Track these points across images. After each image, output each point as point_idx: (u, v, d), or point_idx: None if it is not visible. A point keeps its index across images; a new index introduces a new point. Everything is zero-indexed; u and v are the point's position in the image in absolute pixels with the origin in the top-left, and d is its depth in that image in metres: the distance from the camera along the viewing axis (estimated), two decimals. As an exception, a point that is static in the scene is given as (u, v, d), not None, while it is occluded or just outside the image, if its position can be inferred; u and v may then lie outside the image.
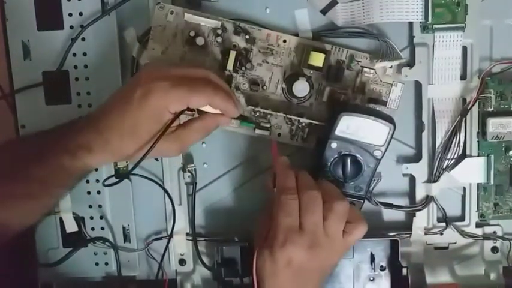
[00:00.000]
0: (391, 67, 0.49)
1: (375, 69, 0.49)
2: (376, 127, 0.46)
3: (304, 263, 0.42)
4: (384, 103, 0.49)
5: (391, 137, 0.46)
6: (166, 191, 0.51)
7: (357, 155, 0.46)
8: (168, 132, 0.43)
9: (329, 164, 0.47)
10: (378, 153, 0.46)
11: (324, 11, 0.49)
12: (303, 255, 0.42)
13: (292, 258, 0.42)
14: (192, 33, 0.48)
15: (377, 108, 0.48)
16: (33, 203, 0.46)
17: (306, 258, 0.42)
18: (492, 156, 0.50)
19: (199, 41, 0.48)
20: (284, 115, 0.49)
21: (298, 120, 0.49)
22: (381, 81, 0.49)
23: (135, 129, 0.43)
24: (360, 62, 0.49)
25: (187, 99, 0.42)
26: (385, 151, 0.46)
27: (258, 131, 0.50)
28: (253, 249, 0.44)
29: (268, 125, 0.50)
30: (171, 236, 0.52)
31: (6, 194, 0.44)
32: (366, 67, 0.49)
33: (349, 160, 0.47)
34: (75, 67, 0.50)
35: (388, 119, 0.46)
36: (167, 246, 0.52)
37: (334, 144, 0.46)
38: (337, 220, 0.43)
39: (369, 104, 0.49)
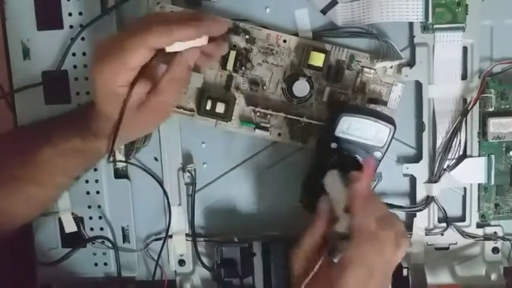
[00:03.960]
0: (391, 67, 0.49)
1: (375, 69, 0.48)
2: (376, 128, 0.46)
3: None
4: (384, 103, 0.49)
5: (392, 138, 0.46)
6: (164, 191, 0.51)
7: (357, 156, 0.46)
8: (136, 103, 0.40)
9: (329, 165, 0.47)
10: (378, 154, 0.46)
11: (324, 11, 0.49)
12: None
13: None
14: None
15: (377, 109, 0.48)
16: (39, 190, 0.45)
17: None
18: (493, 157, 0.50)
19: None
20: (284, 115, 0.49)
21: (298, 120, 0.49)
22: (381, 81, 0.49)
23: (114, 111, 0.40)
24: (360, 62, 0.49)
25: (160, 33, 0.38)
26: (385, 152, 0.46)
27: (258, 131, 0.50)
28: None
29: (268, 125, 0.50)
30: (166, 236, 0.52)
31: (14, 177, 0.44)
32: (366, 67, 0.49)
33: (348, 161, 0.46)
34: (75, 67, 0.50)
35: (389, 120, 0.46)
36: (162, 246, 0.52)
37: (334, 145, 0.46)
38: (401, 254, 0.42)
39: (369, 104, 0.49)
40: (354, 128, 0.46)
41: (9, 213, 0.45)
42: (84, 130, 0.44)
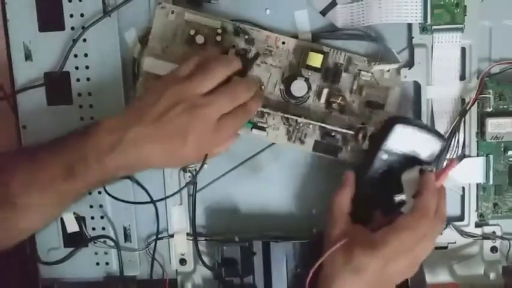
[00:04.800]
0: (388, 70, 0.49)
1: (372, 73, 0.49)
2: (428, 141, 0.45)
3: (394, 276, 0.43)
4: (382, 106, 0.49)
5: (441, 152, 0.46)
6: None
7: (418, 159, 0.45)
8: None
9: (376, 176, 0.46)
10: (427, 168, 0.45)
11: (323, 12, 0.49)
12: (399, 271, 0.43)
13: (390, 269, 0.42)
14: (192, 32, 0.48)
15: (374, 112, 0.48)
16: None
17: (401, 273, 0.44)
18: (491, 156, 0.50)
19: (199, 39, 0.48)
20: (282, 114, 0.49)
21: (296, 121, 0.49)
22: (378, 84, 0.49)
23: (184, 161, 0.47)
24: (357, 65, 0.49)
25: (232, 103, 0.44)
26: (434, 166, 0.46)
27: (255, 131, 0.50)
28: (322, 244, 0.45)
29: (265, 125, 0.50)
30: (158, 238, 0.53)
31: None
32: (363, 70, 0.49)
33: (394, 173, 0.45)
34: (77, 68, 0.50)
35: (440, 134, 0.46)
36: (155, 246, 0.52)
37: (384, 156, 0.45)
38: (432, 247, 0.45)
39: (366, 107, 0.49)
40: (406, 140, 0.45)
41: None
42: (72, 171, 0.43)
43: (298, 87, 0.48)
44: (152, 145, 0.43)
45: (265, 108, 0.49)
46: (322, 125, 0.49)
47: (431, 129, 0.46)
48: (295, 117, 0.49)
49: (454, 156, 0.49)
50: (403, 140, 0.45)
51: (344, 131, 0.48)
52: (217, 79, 0.44)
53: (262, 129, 0.50)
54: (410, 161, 0.45)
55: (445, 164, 0.47)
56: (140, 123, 0.42)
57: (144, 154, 0.43)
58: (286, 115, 0.49)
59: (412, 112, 0.50)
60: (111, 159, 0.42)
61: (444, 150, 0.46)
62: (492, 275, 0.51)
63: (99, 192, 0.52)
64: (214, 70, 0.44)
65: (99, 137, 0.43)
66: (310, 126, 0.49)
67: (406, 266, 0.43)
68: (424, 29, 0.49)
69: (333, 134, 0.49)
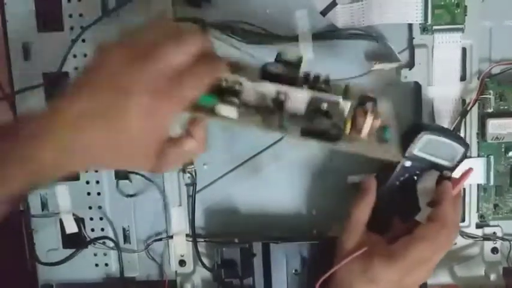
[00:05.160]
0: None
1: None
2: (453, 148, 0.45)
3: (410, 285, 0.43)
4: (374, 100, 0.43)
5: (463, 158, 0.45)
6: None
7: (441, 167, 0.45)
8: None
9: (397, 183, 0.46)
10: (447, 174, 0.45)
11: (323, 13, 0.49)
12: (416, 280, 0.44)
13: (408, 280, 0.42)
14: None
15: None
16: None
17: (418, 282, 0.44)
18: (492, 157, 0.50)
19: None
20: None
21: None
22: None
23: (129, 150, 0.33)
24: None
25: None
26: (453, 171, 0.45)
27: (221, 107, 0.36)
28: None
29: (236, 101, 0.37)
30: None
31: None
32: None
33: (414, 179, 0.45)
34: (76, 68, 0.50)
35: (463, 141, 0.46)
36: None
37: (408, 163, 0.45)
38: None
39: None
40: (432, 147, 0.44)
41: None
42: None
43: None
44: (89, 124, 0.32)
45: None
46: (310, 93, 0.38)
47: (455, 136, 0.46)
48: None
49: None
50: (428, 148, 0.44)
51: (335, 99, 0.38)
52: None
53: (232, 103, 0.37)
54: (432, 167, 0.45)
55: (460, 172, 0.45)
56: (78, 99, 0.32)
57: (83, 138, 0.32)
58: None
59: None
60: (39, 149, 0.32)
61: (465, 156, 0.45)
62: (493, 276, 0.51)
63: (99, 194, 0.52)
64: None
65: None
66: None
67: (422, 275, 0.43)
68: (424, 29, 0.49)
69: (324, 109, 0.38)
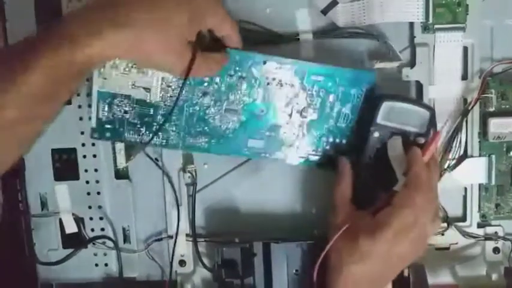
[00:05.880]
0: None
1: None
2: (416, 113, 0.45)
3: (401, 256, 0.43)
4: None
5: (432, 122, 0.46)
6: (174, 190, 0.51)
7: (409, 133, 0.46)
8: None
9: (373, 156, 0.46)
10: (420, 140, 0.46)
11: (324, 12, 0.49)
12: (405, 250, 0.43)
13: (396, 250, 0.42)
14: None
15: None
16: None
17: (408, 253, 0.43)
18: (493, 157, 0.50)
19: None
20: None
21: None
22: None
23: (163, 19, 0.38)
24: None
25: (222, 19, 0.42)
26: (428, 138, 0.46)
27: None
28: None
29: None
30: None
31: None
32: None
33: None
34: (75, 67, 0.50)
35: (427, 105, 0.46)
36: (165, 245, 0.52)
37: (376, 134, 0.46)
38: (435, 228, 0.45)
39: None
40: (395, 115, 0.45)
41: None
42: (79, 36, 0.36)
43: None
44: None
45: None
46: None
47: (417, 101, 0.46)
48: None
49: (457, 154, 0.49)
50: (392, 115, 0.45)
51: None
52: None
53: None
54: (403, 135, 0.46)
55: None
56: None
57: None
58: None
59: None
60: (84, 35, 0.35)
61: (433, 120, 0.46)
62: (494, 276, 0.51)
63: (98, 193, 0.52)
64: None
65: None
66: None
67: (411, 244, 0.43)
68: (426, 28, 0.48)
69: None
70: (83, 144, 0.51)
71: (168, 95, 0.46)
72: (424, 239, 0.44)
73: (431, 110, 0.46)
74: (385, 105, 0.45)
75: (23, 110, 0.35)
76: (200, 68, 0.42)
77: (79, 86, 0.42)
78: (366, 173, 0.47)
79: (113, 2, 0.37)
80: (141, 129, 0.47)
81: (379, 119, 0.45)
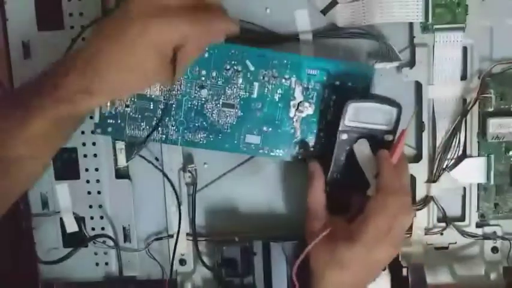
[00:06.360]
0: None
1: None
2: (383, 111, 0.45)
3: (380, 260, 0.44)
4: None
5: (399, 118, 0.46)
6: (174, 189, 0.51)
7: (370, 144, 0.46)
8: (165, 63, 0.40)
9: (342, 158, 0.46)
10: (389, 138, 0.46)
11: (324, 12, 0.49)
12: (383, 254, 0.43)
13: (374, 255, 0.43)
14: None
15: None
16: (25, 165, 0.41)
17: (386, 256, 0.44)
18: (492, 157, 0.50)
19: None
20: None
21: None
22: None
23: (136, 67, 0.39)
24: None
25: (191, 31, 0.39)
26: (396, 134, 0.46)
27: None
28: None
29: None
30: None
31: None
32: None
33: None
34: (76, 67, 0.50)
35: (394, 102, 0.46)
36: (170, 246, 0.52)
37: (344, 136, 0.46)
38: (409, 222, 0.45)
39: None
40: (362, 115, 0.45)
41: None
42: (70, 94, 0.39)
43: None
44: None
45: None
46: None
47: (383, 99, 0.46)
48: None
49: (456, 154, 0.49)
50: (359, 116, 0.45)
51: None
52: None
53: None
54: (371, 134, 0.46)
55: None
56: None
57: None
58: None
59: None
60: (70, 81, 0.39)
61: (400, 115, 0.46)
62: (493, 276, 0.51)
63: (99, 192, 0.52)
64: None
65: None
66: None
67: (388, 248, 0.43)
68: (425, 28, 0.48)
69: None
70: (84, 144, 0.51)
71: (167, 89, 0.47)
72: (401, 238, 0.44)
73: (398, 106, 0.46)
74: (351, 107, 0.45)
75: (30, 148, 0.40)
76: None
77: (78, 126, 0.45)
78: (338, 176, 0.47)
79: (93, 68, 0.39)
80: (142, 124, 0.48)
81: (347, 121, 0.45)
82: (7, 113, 0.40)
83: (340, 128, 0.45)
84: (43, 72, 0.40)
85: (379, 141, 0.46)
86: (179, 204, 0.52)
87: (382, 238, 0.42)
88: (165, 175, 0.51)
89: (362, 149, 0.45)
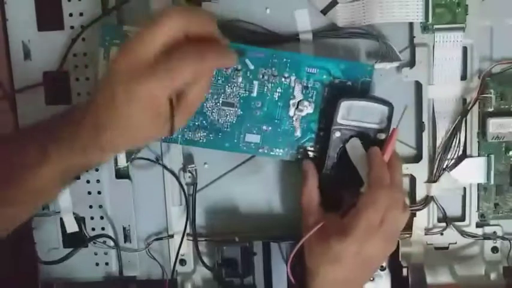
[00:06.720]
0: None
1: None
2: (375, 110, 0.46)
3: (374, 256, 0.43)
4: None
5: (391, 117, 0.46)
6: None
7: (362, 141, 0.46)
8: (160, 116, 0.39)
9: (336, 156, 0.47)
10: (381, 136, 0.46)
11: (324, 11, 0.49)
12: (377, 249, 0.43)
13: (367, 250, 0.43)
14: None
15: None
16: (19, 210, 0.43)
17: (379, 251, 0.44)
18: (492, 157, 0.50)
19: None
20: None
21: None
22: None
23: (137, 127, 0.38)
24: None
25: (173, 81, 0.36)
26: (388, 132, 0.46)
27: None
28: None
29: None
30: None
31: None
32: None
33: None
34: (76, 67, 0.50)
35: (385, 101, 0.46)
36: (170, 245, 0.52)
37: (337, 134, 0.46)
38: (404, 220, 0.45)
39: None
40: (354, 113, 0.46)
41: None
42: (86, 143, 0.40)
43: None
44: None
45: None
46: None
47: (374, 98, 0.47)
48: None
49: (456, 154, 0.49)
50: (351, 114, 0.46)
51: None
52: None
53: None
54: (363, 133, 0.46)
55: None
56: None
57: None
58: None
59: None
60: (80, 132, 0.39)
61: (392, 114, 0.46)
62: (493, 276, 0.51)
63: (99, 192, 0.52)
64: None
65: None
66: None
67: (382, 242, 0.43)
68: (425, 28, 0.48)
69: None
70: (84, 144, 0.51)
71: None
72: (394, 234, 0.45)
73: (390, 105, 0.46)
74: (344, 105, 0.45)
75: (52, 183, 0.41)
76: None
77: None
78: (332, 174, 0.47)
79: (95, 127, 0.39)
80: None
81: (339, 119, 0.46)
82: (22, 149, 0.41)
83: (333, 126, 0.46)
84: (60, 114, 0.42)
85: (372, 140, 0.46)
86: (187, 205, 0.51)
87: (373, 232, 0.42)
88: (172, 173, 0.51)
89: (355, 147, 0.46)
